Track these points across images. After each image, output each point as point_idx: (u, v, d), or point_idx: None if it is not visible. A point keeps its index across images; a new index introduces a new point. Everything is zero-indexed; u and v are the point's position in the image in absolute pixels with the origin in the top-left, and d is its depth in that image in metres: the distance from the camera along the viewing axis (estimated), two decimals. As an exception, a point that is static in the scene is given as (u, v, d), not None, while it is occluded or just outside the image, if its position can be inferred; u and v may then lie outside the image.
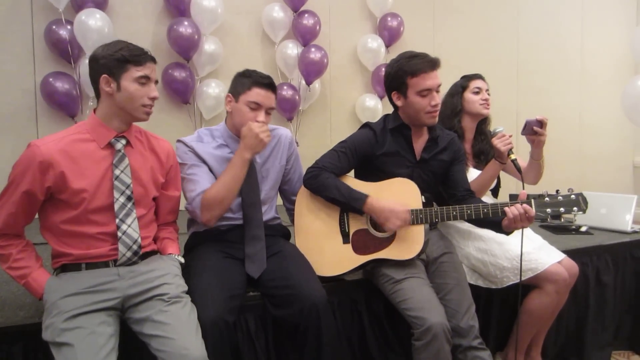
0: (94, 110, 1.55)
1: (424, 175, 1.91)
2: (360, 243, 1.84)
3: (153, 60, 1.53)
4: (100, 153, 1.50)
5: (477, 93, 2.18)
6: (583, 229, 2.71)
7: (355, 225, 1.86)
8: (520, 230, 1.75)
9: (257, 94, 1.76)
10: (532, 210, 1.69)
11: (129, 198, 1.52)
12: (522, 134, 2.07)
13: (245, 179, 1.80)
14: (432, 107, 1.81)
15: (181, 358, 1.31)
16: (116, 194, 1.50)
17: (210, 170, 1.80)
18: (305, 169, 1.92)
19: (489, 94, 2.20)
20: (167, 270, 1.54)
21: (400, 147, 1.89)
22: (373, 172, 1.89)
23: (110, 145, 1.52)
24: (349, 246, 1.85)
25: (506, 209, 1.70)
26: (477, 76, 2.22)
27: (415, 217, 1.76)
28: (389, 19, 4.32)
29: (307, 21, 4.01)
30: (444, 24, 4.63)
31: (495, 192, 2.26)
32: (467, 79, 2.22)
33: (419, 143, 1.92)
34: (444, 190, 2.00)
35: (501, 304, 2.14)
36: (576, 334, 2.34)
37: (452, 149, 1.95)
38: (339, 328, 1.83)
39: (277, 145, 1.93)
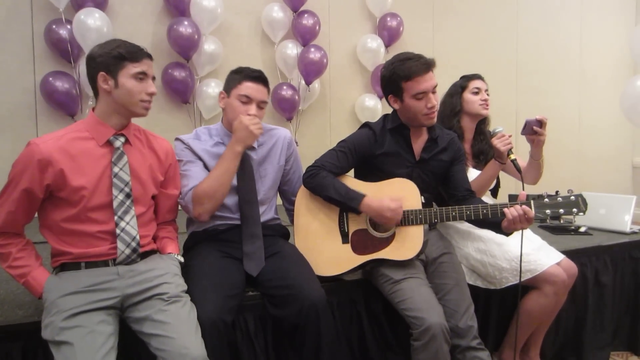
0: (93, 109, 1.56)
1: (424, 175, 1.91)
2: (360, 243, 1.84)
3: (149, 56, 1.55)
4: (99, 151, 1.50)
5: (476, 93, 2.18)
6: (582, 229, 2.71)
7: (355, 225, 1.86)
8: (520, 231, 1.75)
9: (247, 87, 1.77)
10: (532, 212, 1.69)
11: (127, 195, 1.52)
12: (522, 133, 2.08)
13: (242, 176, 1.80)
14: (429, 109, 1.80)
15: (181, 357, 1.31)
16: (115, 192, 1.50)
17: (206, 167, 1.80)
18: (305, 169, 1.92)
19: (488, 94, 2.21)
20: (166, 270, 1.55)
21: (399, 147, 1.89)
22: (373, 172, 1.89)
23: (109, 143, 1.52)
24: (348, 246, 1.85)
25: (505, 210, 1.71)
26: (477, 76, 2.22)
27: (406, 218, 1.77)
28: (389, 19, 4.32)
29: (307, 21, 4.01)
30: (443, 24, 4.63)
31: (494, 192, 2.26)
32: (466, 79, 2.22)
33: (419, 143, 1.92)
34: (444, 191, 2.00)
35: (500, 305, 2.14)
36: (575, 335, 2.34)
37: (452, 148, 1.95)
38: (338, 328, 1.83)
39: (276, 145, 1.93)
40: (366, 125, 1.94)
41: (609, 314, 2.42)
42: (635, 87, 3.69)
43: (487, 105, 2.19)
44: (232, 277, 1.66)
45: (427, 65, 1.78)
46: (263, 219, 1.85)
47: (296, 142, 2.05)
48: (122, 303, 1.45)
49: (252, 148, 1.86)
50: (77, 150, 1.47)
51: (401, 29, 4.37)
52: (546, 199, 1.71)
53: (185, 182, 1.76)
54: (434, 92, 1.81)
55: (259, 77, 1.80)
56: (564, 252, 2.08)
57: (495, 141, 1.98)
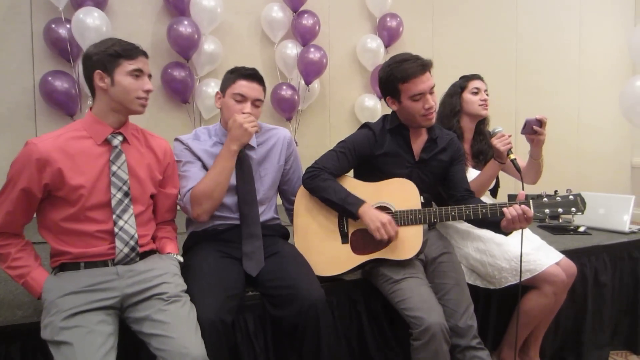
0: (90, 109, 1.56)
1: (423, 175, 1.91)
2: (359, 243, 1.84)
3: (145, 54, 1.55)
4: (97, 150, 1.50)
5: (475, 93, 2.18)
6: (581, 229, 2.71)
7: (354, 225, 1.86)
8: (520, 230, 1.76)
9: (240, 85, 1.77)
10: (531, 211, 1.69)
11: (126, 194, 1.52)
12: (522, 133, 2.08)
13: (241, 176, 1.80)
14: (426, 110, 1.80)
15: (181, 357, 1.31)
16: (113, 190, 1.50)
17: (205, 167, 1.80)
18: (304, 169, 1.92)
19: (487, 95, 2.21)
20: (165, 270, 1.54)
21: (399, 147, 1.89)
22: (372, 172, 1.89)
23: (107, 142, 1.53)
24: (347, 246, 1.85)
25: (504, 209, 1.71)
26: (476, 76, 2.22)
27: (405, 218, 1.77)
28: (388, 19, 4.32)
29: (307, 21, 4.01)
30: (443, 24, 4.64)
31: (494, 193, 2.26)
32: (465, 79, 2.22)
33: (418, 143, 1.92)
34: (443, 191, 2.00)
35: (499, 304, 2.15)
36: (574, 334, 2.35)
37: (451, 149, 1.95)
38: (337, 328, 1.83)
39: (276, 144, 1.93)
40: (366, 125, 1.94)
41: (608, 314, 2.43)
42: (634, 87, 3.70)
43: (487, 105, 2.19)
44: (231, 277, 1.66)
45: (423, 66, 1.77)
46: (262, 218, 1.85)
47: (296, 142, 2.05)
48: (121, 303, 1.45)
49: (252, 148, 1.86)
50: (75, 150, 1.47)
51: (401, 29, 4.37)
52: (545, 199, 1.72)
53: (184, 183, 1.76)
54: (431, 93, 1.80)
55: (252, 75, 1.79)
56: (563, 252, 2.08)
57: (495, 141, 1.98)
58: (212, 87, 3.76)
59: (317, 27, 4.06)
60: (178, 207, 1.79)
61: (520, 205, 1.69)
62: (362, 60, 4.35)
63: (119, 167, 1.52)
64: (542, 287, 1.95)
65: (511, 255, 1.97)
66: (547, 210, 1.71)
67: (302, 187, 1.90)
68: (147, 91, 1.54)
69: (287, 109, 4.02)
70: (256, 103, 1.80)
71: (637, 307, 2.51)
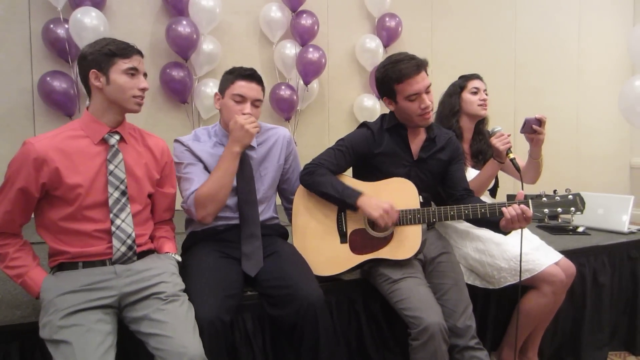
0: (87, 108, 1.56)
1: (422, 174, 1.91)
2: (358, 243, 1.84)
3: (140, 53, 1.56)
4: (94, 149, 1.51)
5: (475, 93, 2.18)
6: (580, 229, 2.71)
7: (353, 225, 1.85)
8: (519, 230, 1.76)
9: (239, 86, 1.77)
10: (530, 211, 1.69)
11: (123, 193, 1.52)
12: (521, 132, 2.08)
13: (241, 177, 1.80)
14: (423, 110, 1.80)
15: (179, 356, 1.31)
16: (110, 189, 1.50)
17: (207, 168, 1.80)
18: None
19: (486, 94, 2.21)
20: (164, 269, 1.54)
21: (397, 146, 1.89)
22: (371, 171, 1.89)
23: (104, 141, 1.53)
24: (346, 246, 1.84)
25: (504, 209, 1.71)
26: (475, 76, 2.23)
27: (404, 218, 1.76)
28: (387, 19, 4.32)
29: (305, 21, 4.01)
30: (442, 24, 4.64)
31: (493, 192, 2.26)
32: (465, 79, 2.22)
33: (416, 143, 1.92)
34: (442, 190, 2.00)
35: (498, 304, 2.15)
36: (573, 334, 2.35)
37: (450, 148, 1.95)
38: (336, 328, 1.83)
39: (275, 144, 1.93)
40: (364, 124, 1.94)
41: (607, 314, 2.43)
42: (633, 88, 3.69)
43: (486, 105, 2.19)
44: (230, 277, 1.66)
45: (418, 66, 1.77)
46: (261, 218, 1.85)
47: (295, 142, 2.06)
48: (119, 302, 1.44)
49: (252, 147, 1.86)
50: (72, 149, 1.47)
51: (400, 29, 4.37)
52: (544, 198, 1.72)
53: (187, 185, 1.75)
54: (427, 92, 1.80)
55: (251, 75, 1.79)
56: (562, 252, 2.08)
57: (494, 140, 1.98)
58: (210, 87, 3.75)
59: (315, 27, 4.05)
60: (178, 208, 1.78)
61: (519, 205, 1.69)
62: (361, 60, 4.35)
63: (116, 166, 1.52)
64: (541, 287, 1.95)
65: (510, 255, 1.97)
66: (546, 210, 1.71)
67: (300, 186, 1.90)
68: (143, 89, 1.55)
69: (285, 109, 4.02)
70: (256, 103, 1.80)
71: (635, 307, 2.51)
